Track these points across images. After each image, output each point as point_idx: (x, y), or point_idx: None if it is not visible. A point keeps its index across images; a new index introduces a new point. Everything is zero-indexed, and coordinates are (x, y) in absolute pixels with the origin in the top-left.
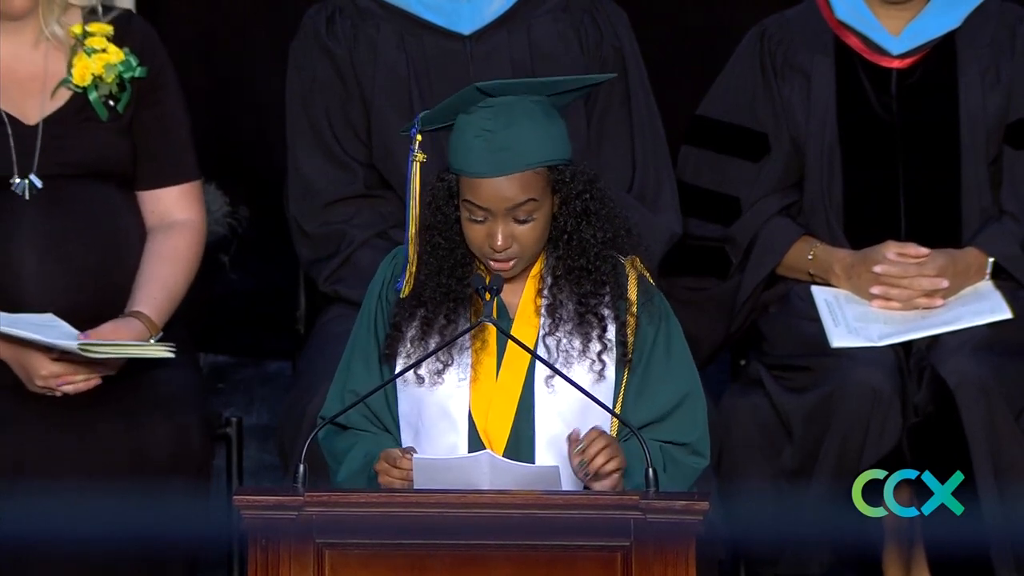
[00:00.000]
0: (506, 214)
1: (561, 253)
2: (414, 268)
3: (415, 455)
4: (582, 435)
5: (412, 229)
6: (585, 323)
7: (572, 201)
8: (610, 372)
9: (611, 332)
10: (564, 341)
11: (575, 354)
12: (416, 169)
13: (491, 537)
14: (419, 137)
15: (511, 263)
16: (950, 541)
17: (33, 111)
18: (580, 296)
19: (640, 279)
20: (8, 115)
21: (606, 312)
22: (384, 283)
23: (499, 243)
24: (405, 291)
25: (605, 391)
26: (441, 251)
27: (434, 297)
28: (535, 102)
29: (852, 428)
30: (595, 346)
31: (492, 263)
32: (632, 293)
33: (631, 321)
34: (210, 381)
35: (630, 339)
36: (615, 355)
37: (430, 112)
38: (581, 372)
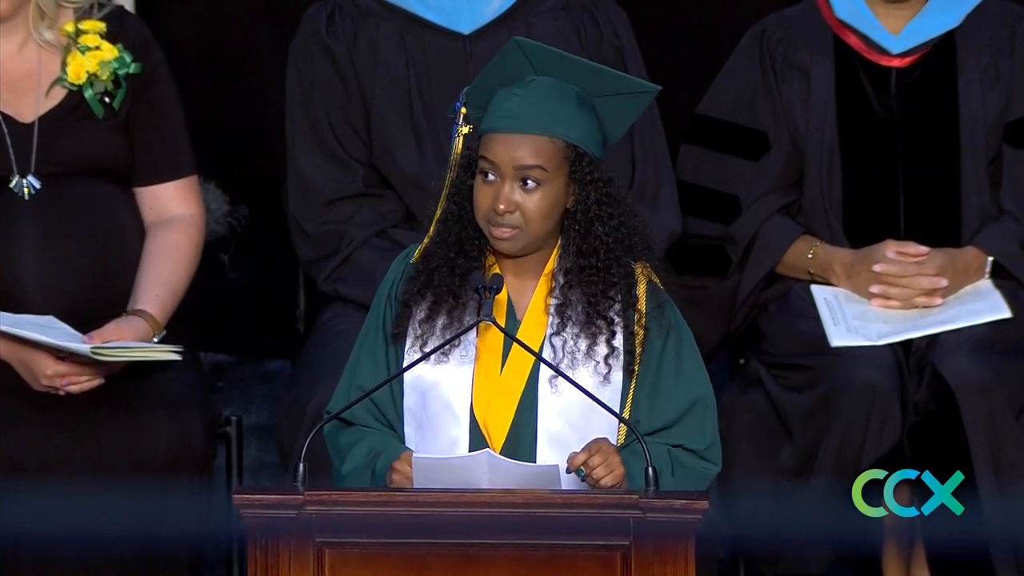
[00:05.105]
0: (514, 175)
1: (573, 250)
2: (432, 232)
3: (415, 455)
4: (580, 450)
5: (444, 194)
6: (593, 326)
7: (587, 191)
8: (616, 377)
9: (619, 338)
10: (570, 342)
11: (580, 356)
12: (459, 142)
13: (491, 536)
14: (464, 110)
15: (512, 232)
16: (950, 541)
17: (28, 110)
18: (589, 296)
19: (650, 286)
20: (4, 115)
21: (616, 318)
22: (394, 282)
23: (501, 206)
24: (416, 255)
25: (610, 395)
26: (451, 218)
27: (441, 271)
28: (574, 91)
29: (852, 427)
30: (602, 350)
31: (493, 229)
32: (642, 303)
33: (639, 332)
34: (210, 380)
35: (637, 349)
36: (622, 362)
37: (473, 85)
38: (585, 375)
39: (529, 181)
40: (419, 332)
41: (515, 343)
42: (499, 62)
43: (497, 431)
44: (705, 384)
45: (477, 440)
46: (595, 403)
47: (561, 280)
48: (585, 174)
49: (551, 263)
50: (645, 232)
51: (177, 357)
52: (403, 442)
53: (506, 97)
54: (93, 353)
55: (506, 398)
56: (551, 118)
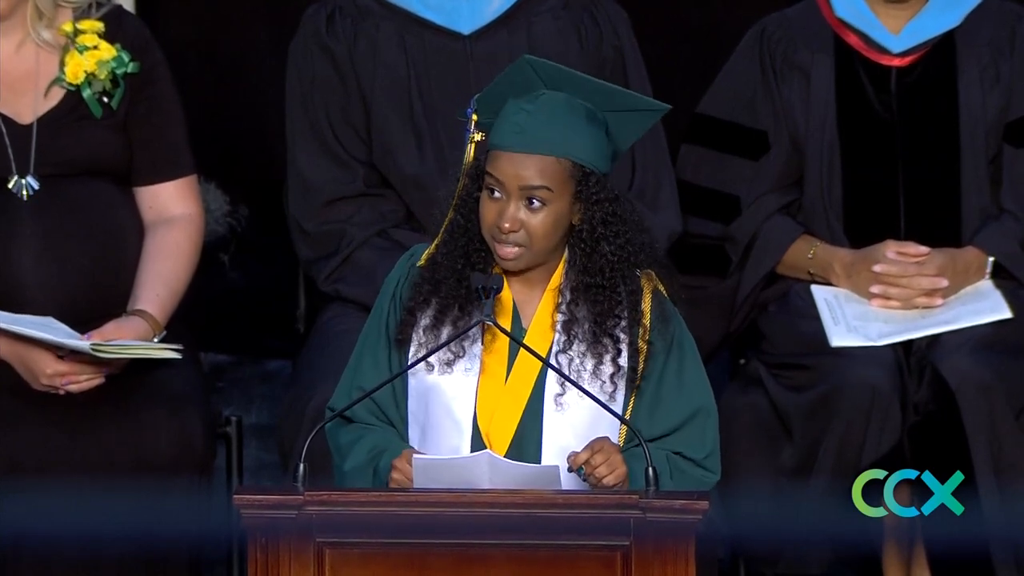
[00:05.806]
0: (519, 195)
1: (578, 267)
2: (439, 240)
3: (415, 456)
4: (582, 449)
5: (453, 203)
6: (599, 344)
7: (593, 210)
8: (620, 396)
9: (624, 356)
10: (576, 361)
11: (587, 376)
12: (471, 149)
13: (491, 536)
14: (475, 117)
15: (516, 251)
16: (950, 541)
17: (27, 110)
18: (596, 315)
19: (656, 299)
20: (2, 115)
21: (621, 335)
22: (399, 282)
23: (506, 224)
24: (422, 260)
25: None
26: (458, 229)
27: (448, 282)
28: (584, 106)
29: (852, 427)
30: (607, 368)
31: (498, 247)
32: (647, 318)
33: (643, 347)
34: (210, 380)
35: (641, 365)
36: (626, 379)
37: (483, 93)
38: (591, 393)
39: (535, 200)
40: (423, 339)
41: (521, 349)
42: (508, 77)
43: (500, 441)
44: (707, 394)
45: (479, 448)
46: (600, 416)
47: (568, 296)
48: (591, 194)
49: (557, 278)
50: (652, 246)
51: (177, 356)
52: (405, 441)
53: (514, 111)
54: (93, 350)
55: (510, 408)
56: (558, 137)
